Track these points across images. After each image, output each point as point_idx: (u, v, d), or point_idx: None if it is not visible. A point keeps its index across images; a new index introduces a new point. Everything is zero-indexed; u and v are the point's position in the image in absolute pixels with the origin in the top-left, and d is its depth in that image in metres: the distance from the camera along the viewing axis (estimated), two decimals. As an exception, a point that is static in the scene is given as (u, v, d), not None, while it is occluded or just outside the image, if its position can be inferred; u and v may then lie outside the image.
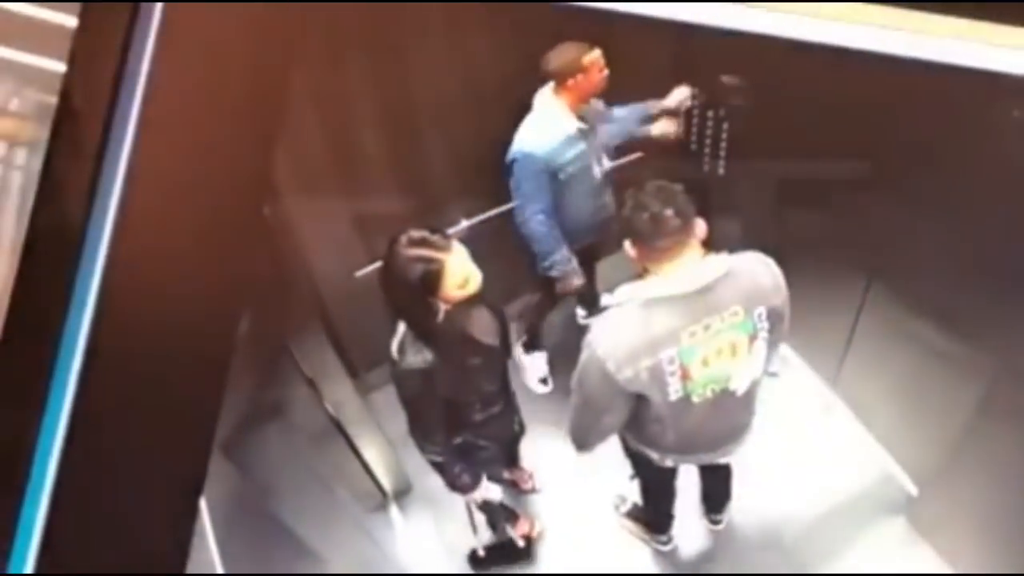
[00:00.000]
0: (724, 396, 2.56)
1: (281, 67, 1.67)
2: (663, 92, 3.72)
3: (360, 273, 3.51)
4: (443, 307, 2.53)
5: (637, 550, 3.49)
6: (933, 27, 1.58)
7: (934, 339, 3.31)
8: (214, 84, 1.63)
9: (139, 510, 1.59)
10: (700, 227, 2.43)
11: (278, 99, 1.68)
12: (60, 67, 1.62)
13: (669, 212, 2.37)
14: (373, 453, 3.37)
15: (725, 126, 3.64)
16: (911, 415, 3.56)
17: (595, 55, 3.13)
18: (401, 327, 2.58)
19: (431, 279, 2.44)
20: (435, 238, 2.47)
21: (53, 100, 1.63)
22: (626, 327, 2.43)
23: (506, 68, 3.18)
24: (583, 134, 3.24)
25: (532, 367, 3.86)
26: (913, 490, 3.56)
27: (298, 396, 3.11)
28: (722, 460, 2.95)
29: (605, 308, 2.53)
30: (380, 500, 3.50)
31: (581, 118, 3.23)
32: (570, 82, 3.16)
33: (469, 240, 3.54)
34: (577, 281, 3.44)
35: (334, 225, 3.30)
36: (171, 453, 1.61)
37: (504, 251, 3.43)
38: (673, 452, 2.80)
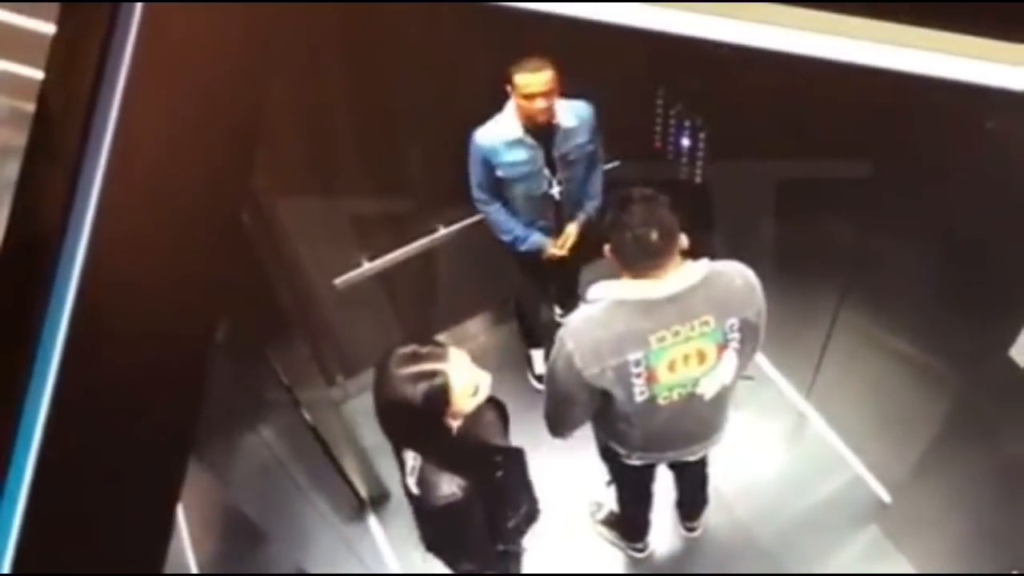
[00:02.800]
0: (691, 400, 2.56)
1: (260, 73, 1.67)
2: (639, 100, 3.75)
3: (339, 281, 3.52)
4: (455, 424, 2.24)
5: (613, 556, 3.50)
6: (905, 38, 1.60)
7: (906, 351, 3.34)
8: (192, 90, 1.63)
9: (116, 516, 1.58)
10: (682, 241, 2.42)
11: (257, 105, 1.68)
12: (36, 74, 1.62)
13: (654, 236, 2.34)
14: (350, 461, 3.37)
15: (701, 135, 3.68)
16: (884, 425, 3.59)
17: (527, 78, 3.09)
18: (412, 458, 2.29)
19: (437, 395, 2.13)
20: (427, 349, 2.16)
21: (27, 107, 1.63)
22: (596, 325, 2.43)
23: (485, 74, 3.18)
24: (525, 146, 3.24)
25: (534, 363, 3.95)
26: (886, 498, 3.59)
27: (276, 403, 3.10)
28: (690, 458, 2.94)
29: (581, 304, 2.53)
30: (358, 508, 3.50)
31: (532, 133, 3.23)
32: (509, 90, 3.17)
33: (451, 246, 3.57)
34: (552, 249, 3.48)
35: (313, 232, 3.30)
36: (148, 459, 1.60)
37: (493, 254, 3.43)
38: (640, 450, 2.81)
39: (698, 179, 3.79)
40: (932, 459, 3.21)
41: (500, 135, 3.22)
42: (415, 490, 2.28)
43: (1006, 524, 2.94)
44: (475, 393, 2.20)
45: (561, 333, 2.47)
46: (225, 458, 2.63)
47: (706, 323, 2.42)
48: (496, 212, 3.40)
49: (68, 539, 1.57)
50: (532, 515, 2.63)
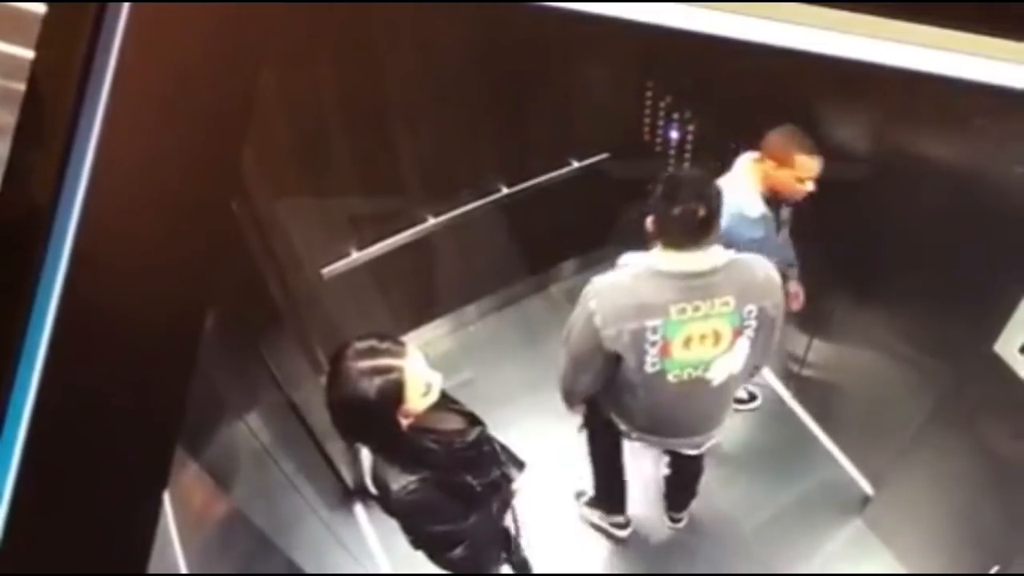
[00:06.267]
0: (699, 383, 2.63)
1: (251, 62, 1.66)
2: (628, 91, 3.74)
3: (327, 270, 3.51)
4: (405, 422, 2.23)
5: (596, 544, 3.51)
6: (896, 33, 1.60)
7: (891, 345, 3.35)
8: (184, 77, 1.62)
9: (102, 506, 1.58)
10: (720, 225, 2.52)
11: (247, 94, 1.67)
12: (27, 53, 1.61)
13: (702, 212, 2.44)
14: (337, 449, 3.36)
15: (690, 128, 3.68)
16: (868, 419, 3.61)
17: (810, 164, 2.88)
18: (365, 457, 2.33)
19: (392, 391, 2.14)
20: (385, 345, 2.17)
21: (18, 86, 1.62)
22: (621, 289, 2.54)
23: (475, 67, 3.17)
24: (767, 219, 3.01)
25: None
26: (869, 491, 3.61)
27: (263, 392, 3.09)
28: (689, 451, 3.00)
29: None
30: (344, 496, 3.50)
31: (770, 205, 3.01)
32: (768, 164, 2.94)
33: (441, 236, 3.55)
34: None
35: (302, 221, 3.29)
36: (135, 449, 1.59)
37: (483, 245, 3.44)
38: (640, 430, 2.87)
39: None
40: (916, 453, 3.23)
41: (738, 210, 2.92)
42: (373, 490, 2.31)
43: (990, 518, 2.96)
44: (427, 393, 2.21)
45: (586, 291, 2.57)
46: (212, 446, 2.62)
47: (726, 303, 2.52)
48: None
49: (55, 527, 1.56)
50: (507, 478, 2.64)
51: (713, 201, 2.46)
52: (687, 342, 2.54)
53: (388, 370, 2.13)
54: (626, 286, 2.54)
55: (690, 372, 2.61)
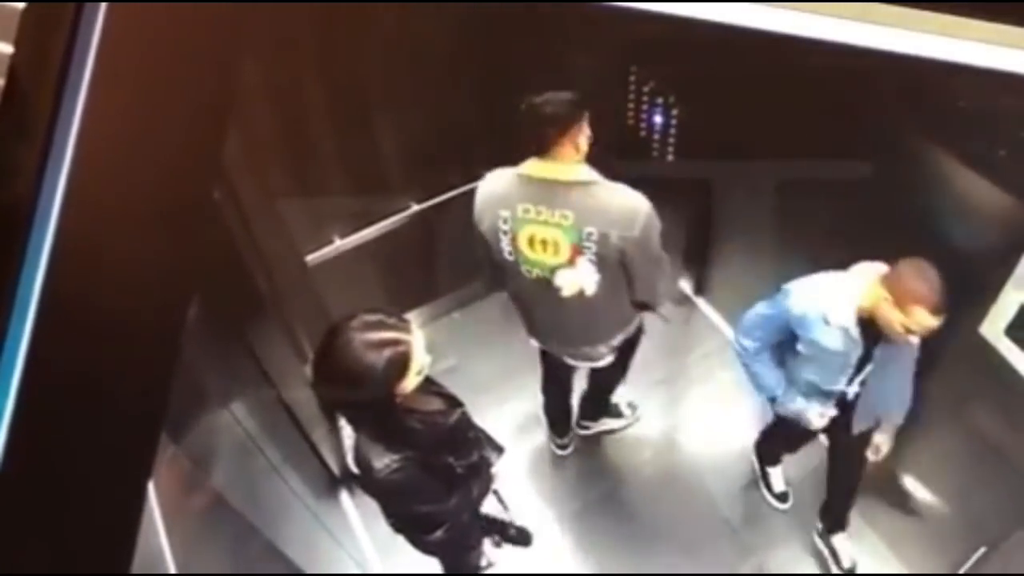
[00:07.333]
0: (549, 288, 2.84)
1: (232, 52, 1.65)
2: (612, 76, 3.74)
3: (311, 258, 3.51)
4: (396, 399, 2.25)
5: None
6: (876, 15, 1.60)
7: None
8: (164, 67, 1.62)
9: (86, 495, 1.58)
10: (580, 135, 2.68)
11: (229, 84, 1.66)
12: (6, 48, 1.61)
13: (547, 109, 2.64)
14: (322, 437, 3.37)
15: (673, 112, 3.67)
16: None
17: (927, 321, 2.56)
18: (347, 436, 2.36)
19: (399, 364, 2.16)
20: (393, 319, 2.19)
21: (-3, 81, 1.62)
22: (494, 181, 2.81)
23: (458, 53, 3.16)
24: (849, 338, 2.77)
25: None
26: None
27: (248, 380, 3.09)
28: (576, 362, 3.26)
29: None
30: (330, 484, 3.50)
31: (863, 327, 2.73)
32: (884, 293, 2.62)
33: (423, 224, 3.55)
34: (817, 423, 3.10)
35: (285, 209, 3.28)
36: (119, 438, 1.59)
37: (465, 233, 3.43)
38: (530, 333, 3.21)
39: (670, 157, 3.79)
40: (903, 435, 3.24)
41: (824, 310, 2.74)
42: (355, 469, 2.33)
43: (976, 500, 2.98)
44: (420, 372, 2.24)
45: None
46: (197, 435, 2.62)
47: (565, 217, 2.70)
48: (760, 366, 3.03)
49: (37, 518, 1.57)
50: (487, 462, 2.71)
51: (561, 109, 2.64)
52: (531, 241, 2.77)
53: (397, 343, 2.15)
54: (499, 180, 2.79)
55: (538, 272, 2.83)
